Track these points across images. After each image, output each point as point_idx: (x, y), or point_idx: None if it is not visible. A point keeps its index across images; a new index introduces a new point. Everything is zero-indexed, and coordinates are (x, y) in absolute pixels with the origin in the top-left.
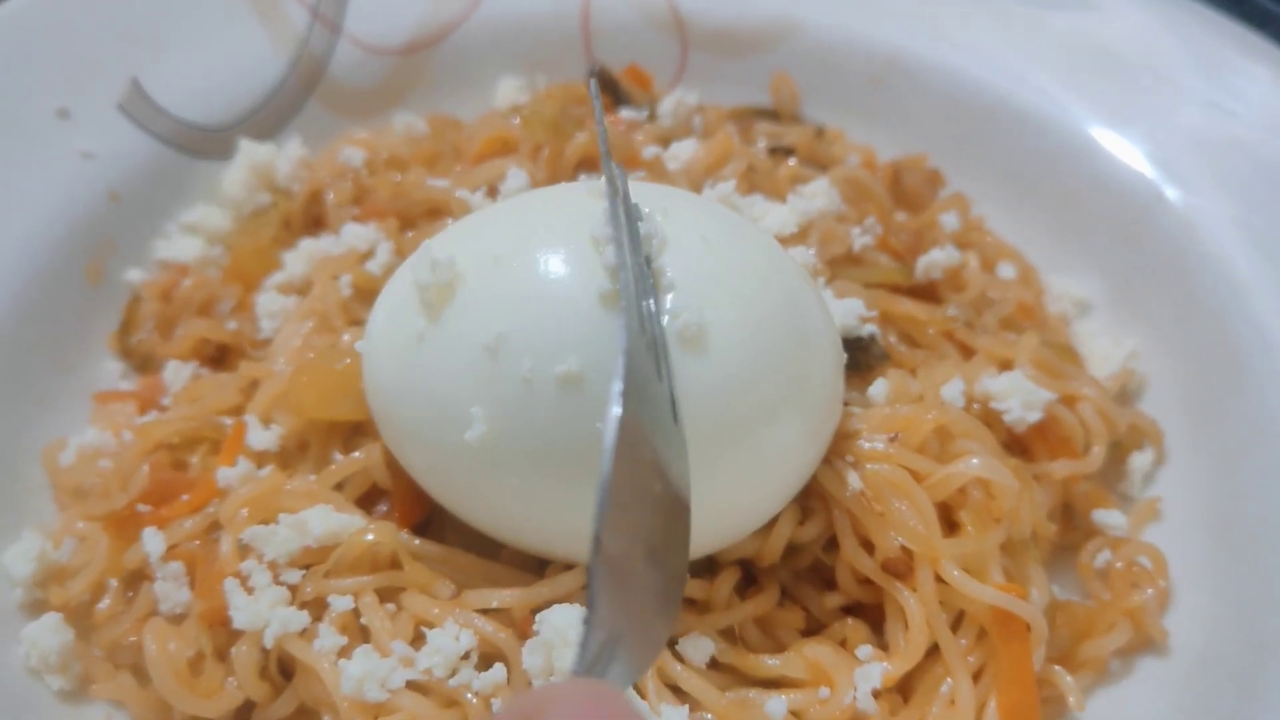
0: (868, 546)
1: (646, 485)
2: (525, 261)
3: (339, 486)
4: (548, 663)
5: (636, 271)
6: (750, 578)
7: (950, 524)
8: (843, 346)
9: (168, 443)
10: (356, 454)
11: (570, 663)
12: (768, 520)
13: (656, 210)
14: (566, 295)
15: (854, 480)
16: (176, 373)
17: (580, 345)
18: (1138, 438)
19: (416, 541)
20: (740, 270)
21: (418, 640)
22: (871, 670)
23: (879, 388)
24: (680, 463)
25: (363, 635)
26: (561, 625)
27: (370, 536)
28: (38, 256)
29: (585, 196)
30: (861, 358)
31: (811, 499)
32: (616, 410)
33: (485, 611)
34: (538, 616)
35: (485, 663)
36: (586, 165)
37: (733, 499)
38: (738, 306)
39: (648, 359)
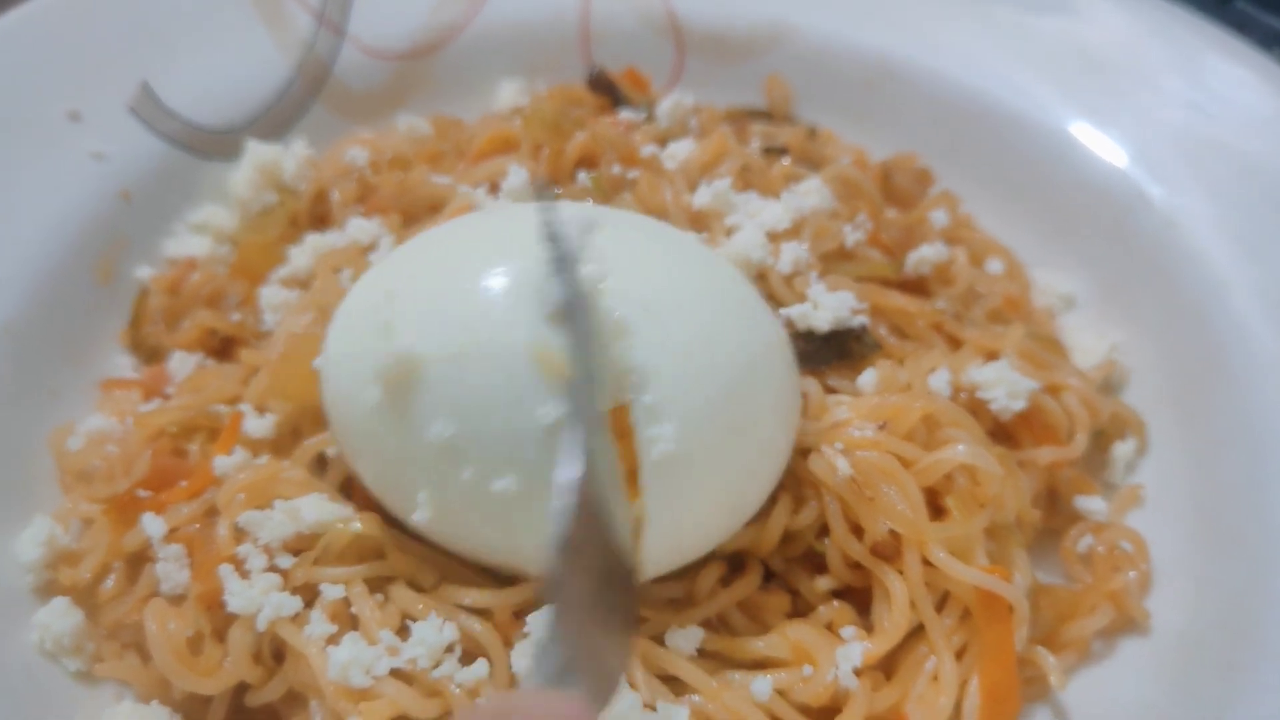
0: (858, 531)
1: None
2: (478, 366)
3: (322, 473)
4: None
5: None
6: (734, 563)
7: (937, 509)
8: (835, 337)
9: (168, 431)
10: (324, 433)
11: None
12: (747, 520)
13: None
14: (517, 414)
15: (844, 466)
16: (182, 363)
17: (520, 463)
18: (1120, 427)
19: (394, 531)
20: (685, 321)
21: (404, 631)
22: (853, 649)
23: (868, 377)
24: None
25: (352, 623)
26: None
27: (356, 525)
28: (51, 254)
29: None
30: (854, 347)
31: (804, 487)
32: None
33: (470, 610)
34: (528, 619)
35: (469, 658)
36: (586, 164)
37: (718, 508)
38: (701, 381)
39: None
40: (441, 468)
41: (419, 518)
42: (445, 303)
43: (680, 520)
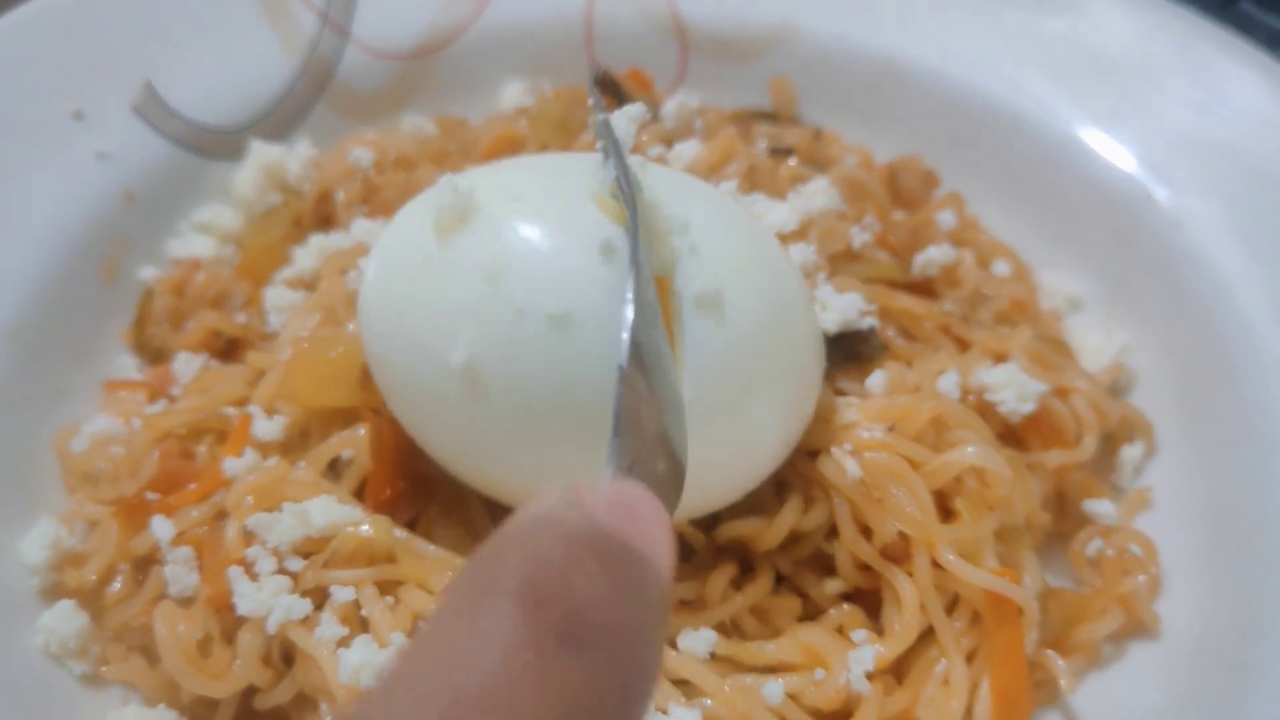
0: (867, 533)
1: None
2: (539, 205)
3: (335, 476)
4: None
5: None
6: (745, 567)
7: (946, 511)
8: (844, 339)
9: (175, 433)
10: (341, 434)
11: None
12: (760, 480)
13: (676, 185)
14: (571, 242)
15: (853, 468)
16: (186, 364)
17: (575, 290)
18: (1128, 430)
19: (404, 535)
20: (753, 242)
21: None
22: (865, 653)
23: (876, 379)
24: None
25: (362, 626)
26: None
27: (366, 529)
28: (55, 254)
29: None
30: (862, 349)
31: (814, 488)
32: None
33: None
34: None
35: None
36: None
37: (733, 453)
38: (750, 275)
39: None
40: (493, 296)
41: (456, 358)
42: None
43: (730, 435)
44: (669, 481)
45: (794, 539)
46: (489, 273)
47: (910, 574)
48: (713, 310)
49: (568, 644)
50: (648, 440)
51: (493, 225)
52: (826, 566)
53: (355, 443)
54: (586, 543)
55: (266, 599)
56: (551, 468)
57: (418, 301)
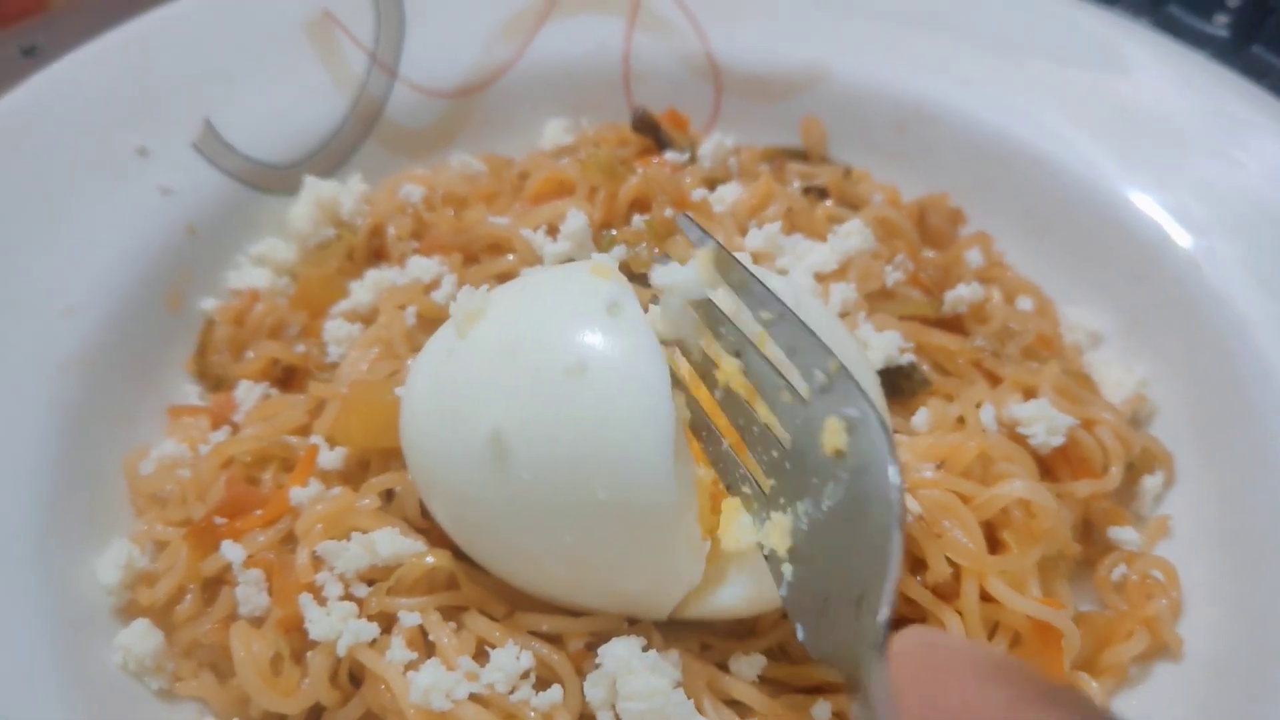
0: (915, 567)
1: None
2: (546, 285)
3: (393, 507)
4: (610, 693)
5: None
6: None
7: (993, 542)
8: (887, 375)
9: (241, 459)
10: (398, 470)
11: None
12: None
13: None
14: (578, 305)
15: (912, 505)
16: (248, 392)
17: (586, 343)
18: (1149, 461)
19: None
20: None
21: (479, 657)
22: None
23: (921, 417)
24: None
25: (427, 649)
26: (624, 655)
27: (430, 560)
28: (122, 285)
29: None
30: (904, 384)
31: None
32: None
33: (543, 637)
34: (600, 650)
35: (543, 684)
36: (639, 206)
37: None
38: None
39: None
40: (512, 364)
41: (487, 426)
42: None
43: None
44: None
45: None
46: (505, 346)
47: (957, 609)
48: None
49: None
50: None
51: (505, 310)
52: None
53: (404, 481)
54: None
55: (336, 624)
56: (579, 540)
57: (445, 391)
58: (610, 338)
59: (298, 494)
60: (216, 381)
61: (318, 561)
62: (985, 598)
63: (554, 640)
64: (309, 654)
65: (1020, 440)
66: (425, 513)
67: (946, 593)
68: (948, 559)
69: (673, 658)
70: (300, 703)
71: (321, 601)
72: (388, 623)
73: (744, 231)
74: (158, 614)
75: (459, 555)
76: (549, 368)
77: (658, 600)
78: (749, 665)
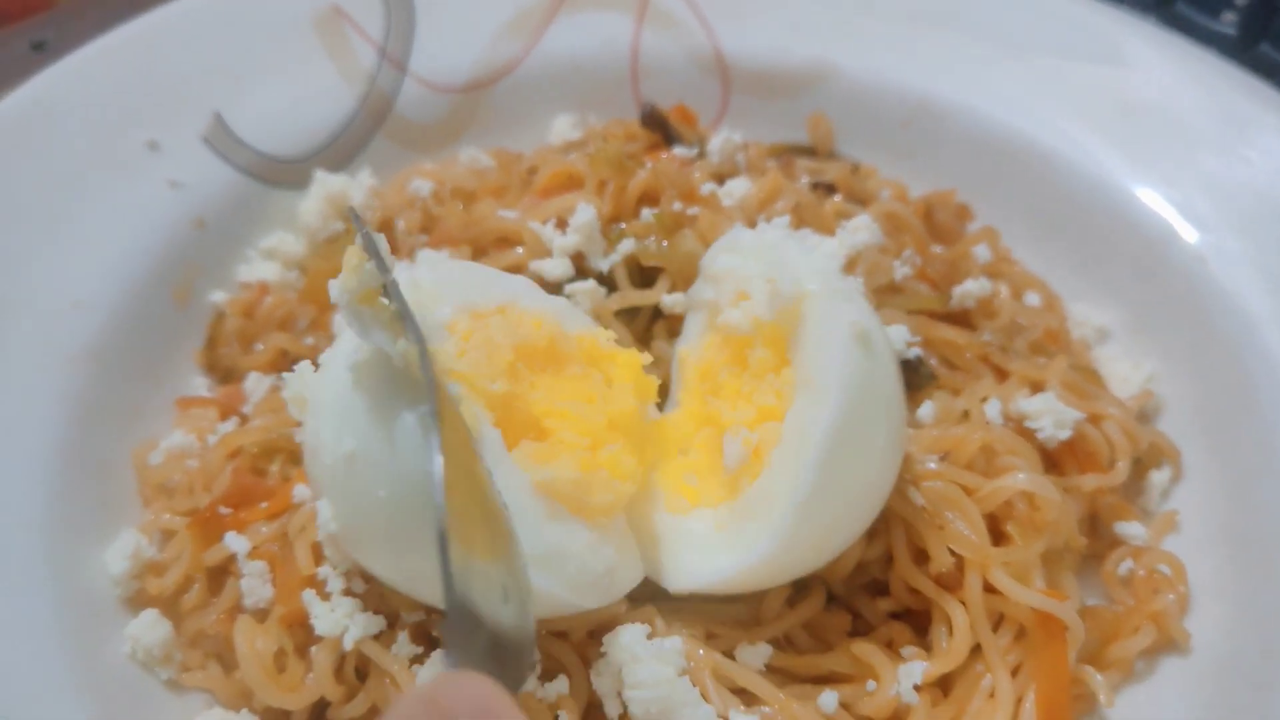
0: (919, 558)
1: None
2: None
3: None
4: (617, 681)
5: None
6: (798, 585)
7: (996, 534)
8: None
9: (248, 450)
10: None
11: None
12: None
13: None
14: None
15: (916, 497)
16: (257, 383)
17: (358, 433)
18: (1156, 456)
19: None
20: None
21: None
22: (914, 667)
23: (926, 409)
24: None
25: (430, 644)
26: (629, 643)
27: None
28: (131, 278)
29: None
30: (911, 378)
31: (875, 521)
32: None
33: (548, 631)
34: (605, 639)
35: (548, 676)
36: (648, 200)
37: (881, 470)
38: (875, 325)
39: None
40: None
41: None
42: None
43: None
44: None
45: (856, 568)
46: (313, 431)
47: (961, 600)
48: (865, 344)
49: None
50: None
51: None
52: (877, 587)
53: None
54: None
55: (341, 619)
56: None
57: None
58: (377, 423)
59: (301, 491)
60: (226, 373)
61: (320, 555)
62: (990, 589)
63: (559, 634)
64: (313, 649)
65: (1027, 434)
66: None
67: (951, 583)
68: (951, 550)
69: (678, 645)
70: (304, 698)
71: (325, 597)
72: (392, 618)
73: (752, 225)
74: (166, 604)
75: None
76: (332, 456)
77: (592, 586)
78: (755, 654)
